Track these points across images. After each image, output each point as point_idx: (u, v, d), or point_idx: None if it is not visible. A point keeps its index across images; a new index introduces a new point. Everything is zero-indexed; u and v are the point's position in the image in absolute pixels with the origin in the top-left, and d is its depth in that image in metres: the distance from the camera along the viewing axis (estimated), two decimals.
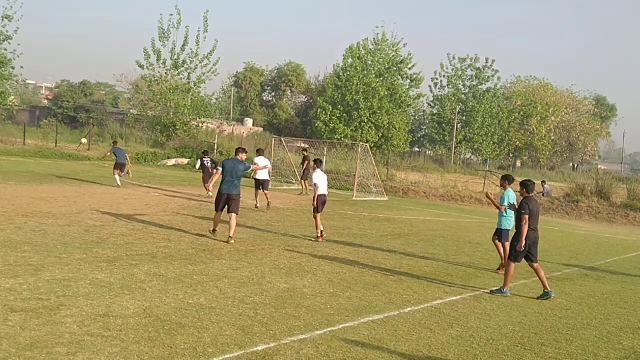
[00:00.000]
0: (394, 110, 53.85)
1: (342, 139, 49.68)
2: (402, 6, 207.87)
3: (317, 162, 15.12)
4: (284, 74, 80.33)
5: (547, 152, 74.61)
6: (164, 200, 18.84)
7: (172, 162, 37.53)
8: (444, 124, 66.62)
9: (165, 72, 43.01)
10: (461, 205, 30.06)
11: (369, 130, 53.12)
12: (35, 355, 5.59)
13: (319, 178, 14.45)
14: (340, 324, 7.54)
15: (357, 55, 54.66)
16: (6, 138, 39.11)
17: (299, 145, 47.80)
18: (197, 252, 11.23)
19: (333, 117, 53.64)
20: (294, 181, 30.65)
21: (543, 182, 34.37)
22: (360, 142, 33.84)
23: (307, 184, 25.86)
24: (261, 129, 69.05)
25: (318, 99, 60.14)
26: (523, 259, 10.02)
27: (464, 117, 67.84)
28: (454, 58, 66.80)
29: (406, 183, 34.63)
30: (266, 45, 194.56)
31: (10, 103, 47.05)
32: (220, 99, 61.20)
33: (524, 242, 9.72)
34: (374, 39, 55.56)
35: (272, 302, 8.19)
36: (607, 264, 15.09)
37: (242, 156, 13.22)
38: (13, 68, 40.51)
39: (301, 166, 26.91)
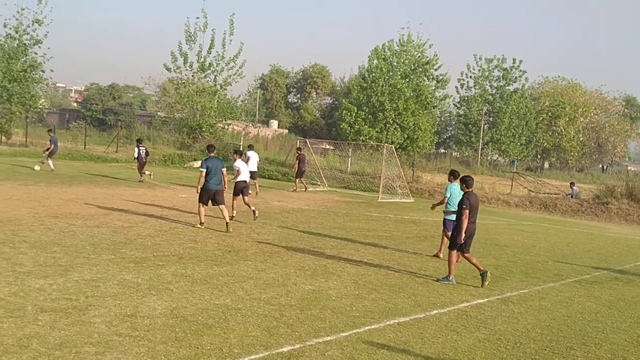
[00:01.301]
0: (420, 111, 53.59)
1: (368, 140, 49.58)
2: (428, 7, 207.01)
3: (238, 153, 16.65)
4: (309, 76, 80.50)
5: (576, 154, 73.62)
6: (190, 202, 18.98)
7: (198, 164, 37.77)
8: (470, 125, 66.12)
9: (192, 75, 43.34)
10: (488, 207, 29.76)
11: (394, 132, 52.94)
12: (64, 354, 5.68)
13: (241, 165, 16.11)
14: (366, 326, 7.53)
15: (383, 56, 54.54)
16: (37, 140, 39.80)
17: (324, 147, 47.87)
18: (223, 253, 11.30)
19: (358, 119, 53.59)
20: (318, 183, 30.70)
21: (572, 183, 33.90)
22: (386, 144, 33.74)
23: (301, 182, 27.34)
24: (286, 130, 69.25)
25: (343, 100, 60.14)
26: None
27: (490, 118, 67.25)
28: (480, 59, 66.36)
29: (432, 185, 34.42)
30: (292, 47, 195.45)
31: (41, 106, 47.83)
32: (246, 101, 61.40)
33: (463, 234, 10.29)
34: (399, 40, 55.41)
35: (297, 304, 8.21)
36: (638, 267, 14.83)
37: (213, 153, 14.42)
38: (43, 72, 41.20)
39: (295, 165, 27.55)
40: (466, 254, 10.71)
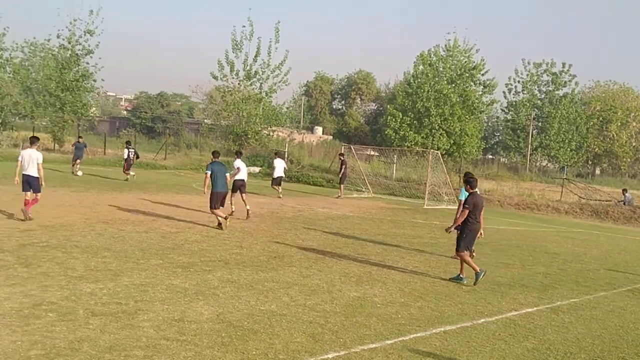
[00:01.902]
0: (467, 117, 52.88)
1: (413, 146, 49.16)
2: (475, 12, 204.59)
3: (238, 153, 18.45)
4: (354, 82, 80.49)
5: (629, 159, 71.44)
6: (236, 208, 19.16)
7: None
8: (518, 131, 64.90)
9: (238, 83, 43.87)
10: (537, 214, 29.17)
11: (440, 138, 52.37)
12: (114, 358, 5.81)
13: (240, 164, 17.68)
14: (412, 334, 7.46)
15: (429, 62, 54.08)
16: (88, 148, 40.82)
17: (368, 153, 47.72)
18: (268, 259, 11.37)
19: (403, 125, 53.23)
20: (363, 189, 30.62)
21: (624, 190, 32.89)
22: (432, 150, 33.44)
23: (342, 188, 27.27)
24: (331, 137, 69.27)
25: (388, 106, 59.83)
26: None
27: (539, 124, 65.89)
28: (529, 63, 65.11)
29: (479, 191, 33.88)
30: (336, 54, 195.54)
31: (92, 114, 49.21)
32: (291, 108, 62.01)
33: (453, 226, 10.91)
34: (445, 45, 54.87)
35: (342, 311, 8.19)
36: None
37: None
38: (95, 81, 42.43)
39: (339, 170, 27.55)
40: (461, 253, 10.90)
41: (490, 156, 76.18)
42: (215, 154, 15.51)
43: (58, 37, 39.54)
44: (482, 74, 55.57)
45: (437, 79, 53.80)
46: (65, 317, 6.85)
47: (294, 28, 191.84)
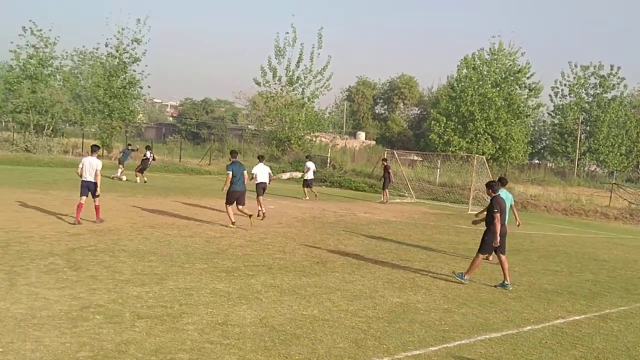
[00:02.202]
0: (512, 121, 52.08)
1: (457, 151, 48.64)
2: (520, 15, 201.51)
3: (260, 158, 19.22)
4: (396, 87, 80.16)
5: None
6: (279, 213, 19.30)
7: (286, 175, 38.42)
8: (566, 135, 63.54)
9: (281, 89, 44.25)
10: (585, 220, 28.49)
11: (485, 142, 51.71)
12: None
13: (259, 169, 18.21)
14: (456, 341, 7.36)
15: (473, 65, 53.52)
16: (135, 154, 41.69)
17: (412, 158, 47.43)
18: (310, 264, 11.39)
19: (447, 129, 52.78)
20: (406, 194, 30.43)
21: None
22: (476, 155, 33.02)
23: (386, 193, 27.26)
24: (373, 142, 69.12)
25: (432, 110, 59.43)
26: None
27: (587, 128, 64.40)
28: (575, 66, 63.73)
29: (525, 196, 33.31)
30: (379, 59, 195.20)
31: (139, 121, 50.33)
32: (333, 113, 62.08)
33: (498, 237, 10.60)
34: (490, 48, 54.22)
35: (385, 317, 8.14)
36: None
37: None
38: (141, 88, 43.36)
39: (383, 176, 27.46)
40: (502, 257, 10.90)
41: (537, 161, 74.71)
42: (233, 153, 16.10)
43: (106, 45, 40.60)
44: (528, 77, 54.67)
45: (481, 82, 53.18)
46: (113, 320, 6.99)
47: (336, 33, 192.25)
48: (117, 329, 6.67)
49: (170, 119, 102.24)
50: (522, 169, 54.97)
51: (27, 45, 39.74)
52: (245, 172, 15.54)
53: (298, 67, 43.45)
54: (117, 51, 40.56)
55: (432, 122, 54.83)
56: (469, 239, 17.32)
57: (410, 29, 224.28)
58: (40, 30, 39.74)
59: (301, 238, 14.49)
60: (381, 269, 11.58)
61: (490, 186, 11.14)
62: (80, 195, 14.15)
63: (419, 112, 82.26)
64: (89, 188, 14.12)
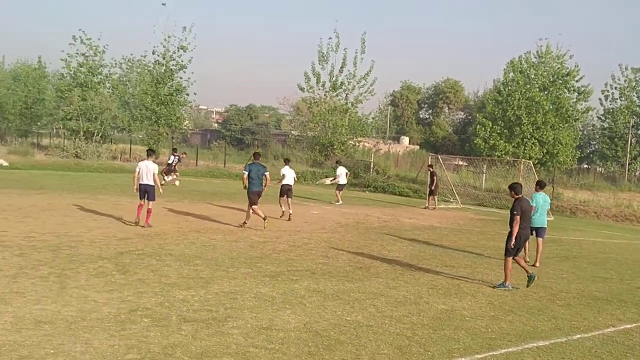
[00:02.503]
0: (560, 125, 50.91)
1: (503, 156, 47.79)
2: (568, 17, 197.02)
3: (286, 161, 20.36)
4: (441, 91, 79.43)
5: None
6: (322, 218, 19.33)
7: (329, 180, 38.41)
8: (616, 139, 61.80)
9: (325, 94, 44.33)
10: (637, 226, 27.66)
11: (532, 147, 50.67)
12: None
13: (285, 172, 19.27)
14: (503, 348, 7.23)
15: (519, 69, 52.57)
16: (181, 160, 42.35)
17: (457, 163, 46.90)
18: (354, 269, 11.36)
19: (493, 134, 51.92)
20: (451, 200, 30.09)
21: None
22: (523, 159, 32.44)
23: (434, 199, 27.03)
24: (418, 147, 68.62)
25: (477, 115, 58.59)
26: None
27: (639, 132, 62.54)
28: (626, 69, 61.98)
29: (574, 202, 32.54)
30: (423, 63, 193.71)
31: (185, 127, 51.11)
32: (376, 118, 61.74)
33: (513, 240, 10.56)
34: (537, 51, 53.18)
35: (430, 323, 8.06)
36: None
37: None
38: (187, 95, 44.06)
39: (429, 182, 27.11)
40: (515, 257, 10.89)
41: (586, 166, 72.93)
42: (255, 155, 16.97)
43: (153, 53, 41.43)
44: (577, 81, 53.42)
45: (528, 86, 52.18)
46: (159, 323, 7.11)
47: (380, 38, 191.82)
48: (164, 332, 6.78)
49: (215, 125, 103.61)
50: (570, 174, 53.67)
51: (77, 53, 40.86)
52: (266, 173, 16.04)
53: (341, 72, 43.51)
54: (164, 59, 41.35)
55: (478, 126, 54.03)
56: None
57: (456, 33, 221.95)
58: (90, 39, 40.83)
59: (344, 243, 14.48)
60: (425, 275, 11.47)
61: (513, 188, 11.12)
62: (140, 199, 14.86)
63: (464, 116, 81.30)
64: (146, 191, 14.75)
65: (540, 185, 13.94)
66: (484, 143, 52.47)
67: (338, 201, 24.91)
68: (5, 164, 31.52)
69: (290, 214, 18.29)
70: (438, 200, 27.55)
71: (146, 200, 14.76)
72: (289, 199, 18.75)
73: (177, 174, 28.55)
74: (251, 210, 15.82)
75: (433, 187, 26.60)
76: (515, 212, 10.63)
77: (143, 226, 14.36)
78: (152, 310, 7.59)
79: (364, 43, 43.38)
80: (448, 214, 24.98)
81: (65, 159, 36.09)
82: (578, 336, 8.07)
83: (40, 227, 13.30)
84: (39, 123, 57.25)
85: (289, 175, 19.29)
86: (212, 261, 11.03)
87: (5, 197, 18.37)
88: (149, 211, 14.77)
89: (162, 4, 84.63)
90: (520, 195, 10.95)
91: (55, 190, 21.87)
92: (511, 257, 10.79)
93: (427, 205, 26.71)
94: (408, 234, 17.15)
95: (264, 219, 15.62)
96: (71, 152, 37.88)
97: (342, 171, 25.72)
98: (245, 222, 16.08)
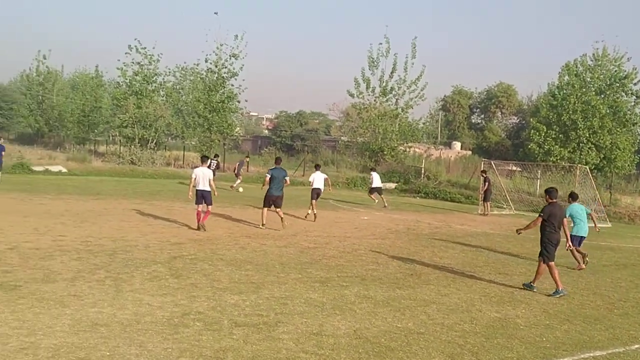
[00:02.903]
0: (618, 129, 49.41)
1: (558, 161, 46.67)
2: (624, 18, 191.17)
3: (317, 167, 21.64)
4: (494, 96, 78.20)
5: None
6: (372, 224, 19.25)
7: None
8: None
9: (374, 100, 44.20)
10: None
11: (588, 152, 49.33)
12: None
13: (315, 176, 20.44)
14: (558, 358, 7.05)
15: (575, 72, 51.32)
16: (233, 166, 42.91)
17: (510, 168, 46.05)
18: (404, 276, 11.27)
19: (548, 139, 50.76)
20: (504, 206, 29.54)
21: None
22: (579, 165, 31.59)
23: (487, 206, 26.67)
24: (469, 152, 67.69)
25: (531, 119, 57.40)
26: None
27: None
28: None
29: (633, 208, 31.47)
30: (475, 67, 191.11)
31: (237, 134, 51.78)
32: (427, 124, 61.27)
33: (523, 229, 11.38)
34: (593, 54, 51.81)
35: (482, 331, 7.92)
36: None
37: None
38: (239, 102, 44.62)
39: (482, 187, 26.79)
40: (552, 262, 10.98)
41: None
42: (277, 160, 17.83)
43: (206, 61, 42.10)
44: (634, 84, 51.79)
45: (584, 89, 50.85)
46: (211, 327, 7.20)
47: (430, 42, 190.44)
48: (216, 336, 6.86)
49: (266, 131, 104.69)
50: (629, 180, 51.90)
51: (133, 62, 41.88)
52: (286, 178, 16.91)
53: (392, 77, 43.31)
54: (216, 66, 41.96)
55: (532, 131, 52.93)
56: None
57: (509, 36, 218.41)
58: (145, 48, 41.79)
59: (395, 250, 14.38)
60: (478, 282, 11.29)
61: (548, 192, 11.43)
62: (196, 204, 15.34)
63: (517, 121, 79.78)
64: (203, 196, 15.24)
65: (572, 197, 14.51)
66: (538, 148, 51.36)
67: (375, 201, 26.17)
68: (64, 170, 32.57)
69: (315, 214, 19.31)
70: (491, 207, 27.13)
71: (204, 205, 15.31)
72: (314, 201, 19.76)
73: (240, 180, 29.27)
74: (265, 210, 16.62)
75: (486, 193, 26.22)
76: (540, 214, 11.00)
77: (202, 228, 15.01)
78: (205, 314, 7.70)
79: (414, 48, 43.14)
80: (501, 221, 24.52)
81: (121, 166, 37.03)
82: (636, 346, 7.80)
83: (97, 232, 13.68)
84: (96, 130, 58.94)
85: (318, 180, 20.38)
86: (263, 266, 11.12)
87: (63, 203, 18.97)
88: (207, 212, 15.44)
89: (215, 13, 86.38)
90: (553, 200, 11.15)
91: (112, 195, 22.47)
92: (549, 262, 10.86)
93: (483, 211, 26.29)
94: (460, 241, 16.91)
95: (262, 225, 16.38)
96: (127, 159, 38.84)
97: (375, 176, 26.78)
98: (263, 224, 16.63)
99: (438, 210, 26.94)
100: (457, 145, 71.66)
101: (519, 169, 44.71)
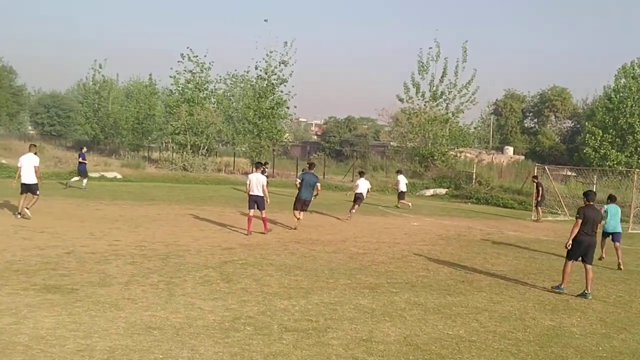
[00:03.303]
0: None
1: (615, 166, 45.38)
2: None
3: (361, 174, 23.17)
4: (547, 99, 76.50)
5: None
6: (422, 230, 19.08)
7: (430, 192, 37.92)
8: None
9: (424, 104, 43.86)
10: None
11: None
12: None
13: (361, 182, 21.77)
14: None
15: (632, 74, 49.83)
16: (282, 171, 43.27)
17: (564, 173, 44.93)
18: (455, 283, 11.12)
19: (604, 143, 49.41)
20: (559, 212, 28.84)
21: None
22: (637, 169, 30.59)
23: (540, 211, 26.01)
24: (522, 157, 66.36)
25: (586, 123, 56.00)
26: (580, 260, 11.11)
27: None
28: None
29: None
30: (528, 70, 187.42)
31: (286, 140, 52.16)
32: (479, 128, 60.42)
33: (570, 241, 11.02)
34: None
35: (536, 340, 7.74)
36: None
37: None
38: (288, 108, 44.99)
39: (535, 193, 26.09)
40: (589, 265, 11.04)
41: None
42: (311, 165, 18.93)
43: (256, 68, 42.61)
44: None
45: None
46: (261, 332, 7.26)
47: (482, 45, 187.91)
48: (266, 341, 6.91)
49: (315, 137, 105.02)
50: None
51: (185, 70, 42.73)
52: (317, 184, 17.69)
53: (442, 82, 42.92)
54: (265, 73, 42.41)
55: (587, 135, 51.62)
56: (629, 259, 16.04)
57: (563, 38, 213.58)
58: (196, 56, 42.57)
59: (445, 256, 14.21)
60: (531, 289, 11.05)
61: (586, 195, 11.56)
62: (249, 209, 15.73)
63: (572, 125, 77.86)
64: (256, 202, 15.62)
65: (611, 199, 15.54)
66: (594, 152, 50.05)
67: (407, 205, 26.70)
68: (119, 176, 33.43)
69: (350, 216, 20.60)
70: (544, 212, 26.51)
71: (257, 210, 15.65)
72: (357, 205, 21.15)
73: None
74: (296, 212, 17.38)
75: (539, 199, 25.65)
76: (577, 216, 11.09)
77: (265, 232, 15.59)
78: (255, 319, 7.77)
79: (465, 52, 42.64)
80: (555, 227, 23.92)
81: (173, 172, 37.77)
82: None
83: (151, 237, 13.98)
84: (149, 137, 60.31)
85: (363, 186, 21.62)
86: (312, 272, 11.15)
87: (118, 208, 19.46)
88: (264, 219, 15.83)
89: (264, 21, 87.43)
90: (590, 203, 11.28)
91: (165, 201, 22.94)
92: (570, 261, 11.07)
93: (536, 217, 25.71)
94: (513, 247, 16.59)
95: (294, 228, 17.07)
96: (179, 165, 39.60)
97: (402, 179, 27.75)
98: (295, 227, 17.13)
99: (490, 216, 26.49)
100: (509, 150, 70.35)
101: (574, 174, 43.56)
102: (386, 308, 8.81)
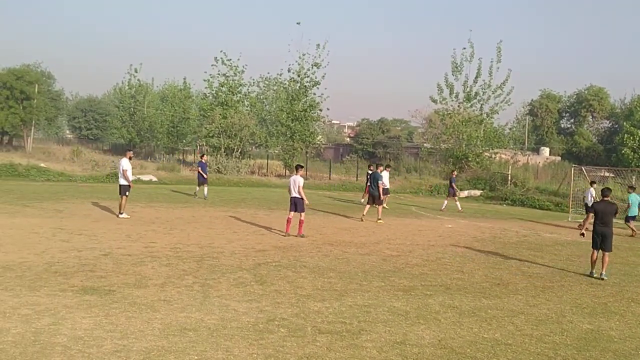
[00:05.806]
0: None
1: None
2: None
3: (387, 167, 25.79)
4: (584, 99, 75.12)
5: None
6: (456, 232, 18.91)
7: (464, 194, 37.55)
8: None
9: (458, 105, 43.44)
10: None
11: None
12: None
13: (385, 175, 23.61)
14: None
15: None
16: (315, 173, 43.34)
17: (602, 174, 44.07)
18: (491, 285, 11.00)
19: None
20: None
21: None
22: None
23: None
24: (559, 158, 65.30)
25: (624, 123, 54.92)
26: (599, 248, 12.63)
27: None
28: None
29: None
30: (564, 70, 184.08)
31: (318, 142, 52.24)
32: (514, 129, 59.63)
33: (583, 230, 13.28)
34: None
35: (573, 344, 7.61)
36: None
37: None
38: (321, 110, 45.05)
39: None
40: (606, 252, 12.48)
41: None
42: (377, 165, 21.64)
43: (289, 71, 42.85)
44: None
45: None
46: (295, 334, 7.28)
47: (516, 46, 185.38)
48: (300, 343, 6.93)
49: (348, 139, 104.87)
50: None
51: (219, 74, 43.13)
52: (379, 181, 20.07)
53: (476, 82, 42.41)
54: (298, 76, 42.57)
55: (626, 135, 50.62)
56: None
57: (599, 38, 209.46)
58: (230, 60, 42.93)
59: (480, 258, 14.06)
60: (568, 292, 10.86)
61: (602, 191, 13.05)
62: (290, 211, 15.89)
63: (609, 125, 76.35)
64: (295, 203, 15.78)
65: (632, 188, 18.90)
66: (632, 153, 49.05)
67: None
68: (155, 179, 33.90)
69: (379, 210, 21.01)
70: (575, 214, 25.96)
71: (296, 212, 15.77)
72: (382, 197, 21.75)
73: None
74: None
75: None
76: (589, 209, 12.91)
77: (298, 235, 15.57)
78: (289, 321, 7.80)
79: (499, 52, 42.09)
80: None
81: (208, 174, 38.09)
82: None
83: (186, 239, 14.15)
84: (184, 140, 61.03)
85: (387, 179, 23.61)
86: (346, 274, 11.14)
87: (153, 211, 19.75)
88: (300, 222, 15.82)
89: (297, 23, 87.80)
90: (604, 198, 12.75)
91: (199, 203, 23.18)
92: (595, 250, 12.60)
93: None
94: (549, 250, 16.33)
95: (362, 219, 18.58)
96: (213, 168, 39.98)
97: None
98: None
99: (526, 218, 26.12)
100: (545, 150, 69.29)
101: (612, 175, 42.71)
102: (420, 311, 8.76)
